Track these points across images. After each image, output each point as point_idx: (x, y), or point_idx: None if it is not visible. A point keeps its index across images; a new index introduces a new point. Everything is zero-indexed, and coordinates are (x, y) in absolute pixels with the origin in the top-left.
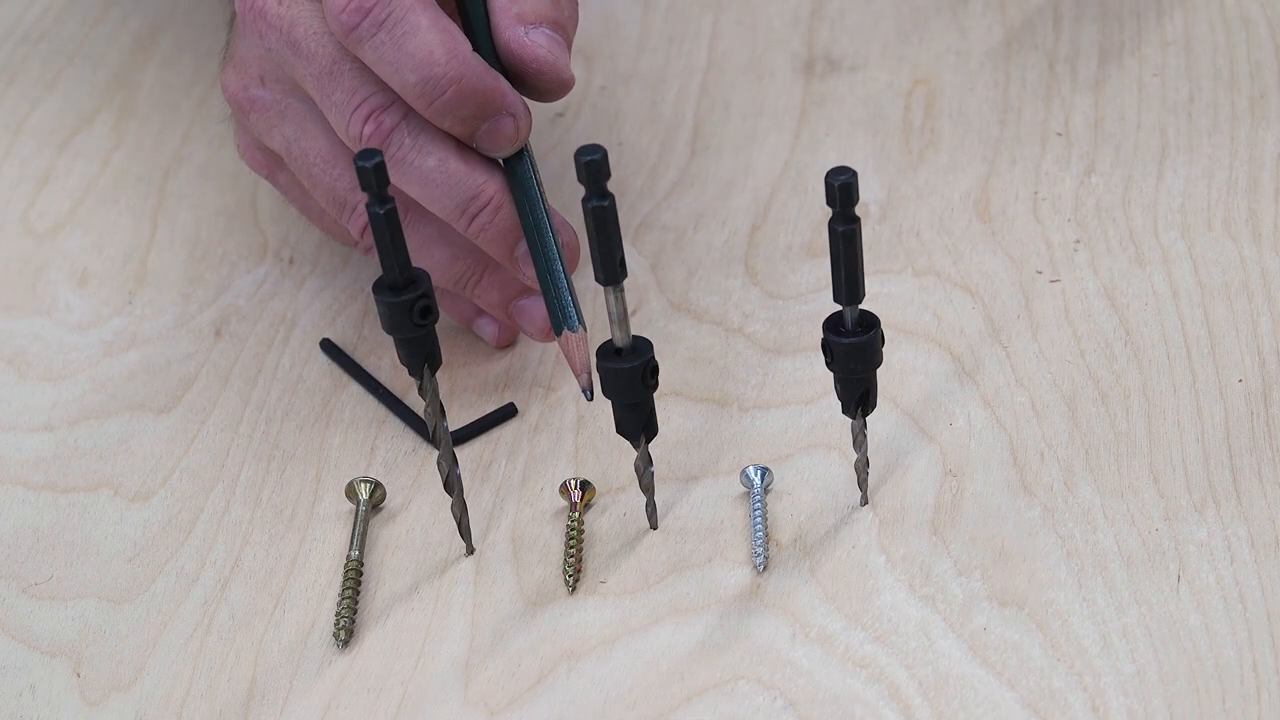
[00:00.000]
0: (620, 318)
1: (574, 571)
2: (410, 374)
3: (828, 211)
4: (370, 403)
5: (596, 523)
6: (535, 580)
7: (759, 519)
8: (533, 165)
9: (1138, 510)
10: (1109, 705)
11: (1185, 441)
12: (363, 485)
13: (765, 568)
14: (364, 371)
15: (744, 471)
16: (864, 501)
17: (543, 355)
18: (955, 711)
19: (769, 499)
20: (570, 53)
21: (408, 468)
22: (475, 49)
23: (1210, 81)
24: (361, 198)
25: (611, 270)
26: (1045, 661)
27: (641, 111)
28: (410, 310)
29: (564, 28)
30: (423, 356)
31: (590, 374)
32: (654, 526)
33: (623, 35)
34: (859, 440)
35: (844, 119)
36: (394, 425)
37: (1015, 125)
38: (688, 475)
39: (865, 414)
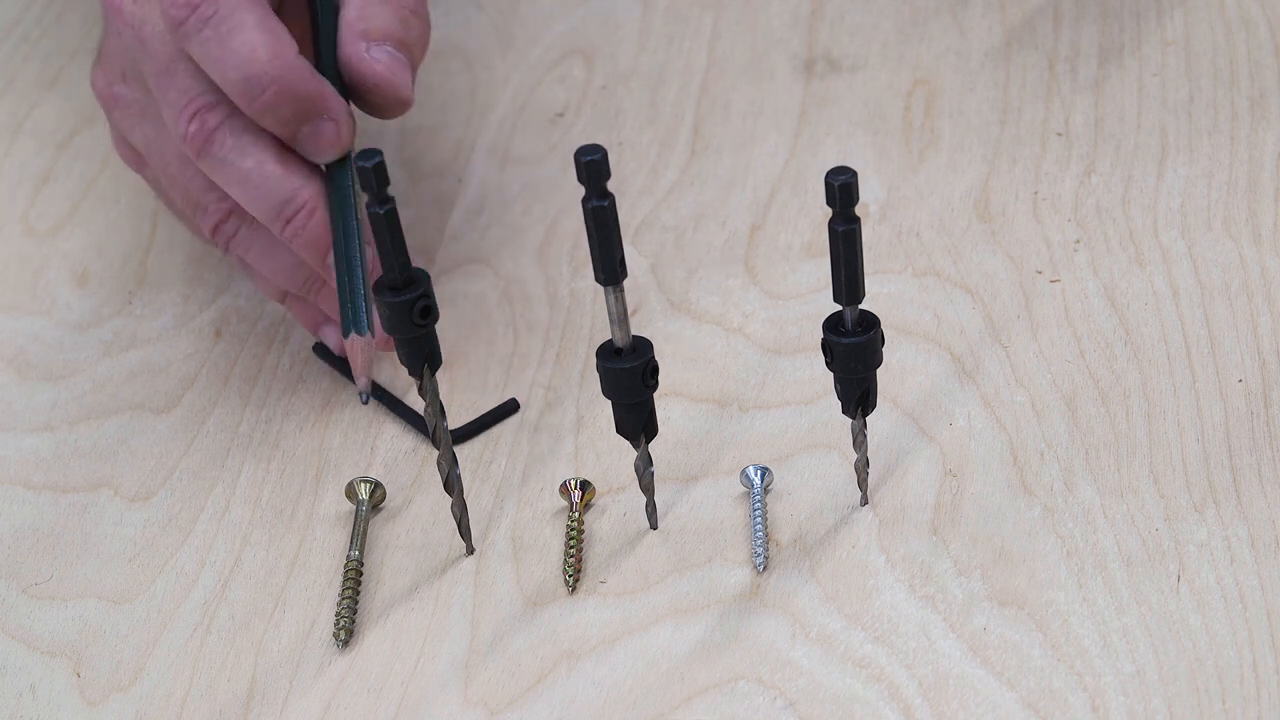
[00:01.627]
0: (620, 318)
1: (574, 571)
2: (410, 374)
3: (828, 211)
4: (371, 402)
5: (596, 523)
6: (535, 580)
7: (759, 519)
8: (353, 173)
9: (1138, 510)
10: (1109, 705)
11: (1185, 441)
12: (363, 485)
13: (765, 568)
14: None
15: (744, 471)
16: (864, 501)
17: (543, 355)
18: (955, 711)
19: (769, 499)
20: (415, 73)
21: (408, 468)
22: (321, 61)
23: (1210, 81)
24: (212, 198)
25: (611, 270)
26: (1045, 661)
27: (641, 111)
28: (410, 310)
29: (409, 48)
30: (423, 356)
31: (369, 379)
32: (654, 526)
33: (623, 35)
34: (859, 440)
35: (844, 119)
36: (394, 425)
37: (1015, 125)
38: (688, 475)
39: (865, 414)
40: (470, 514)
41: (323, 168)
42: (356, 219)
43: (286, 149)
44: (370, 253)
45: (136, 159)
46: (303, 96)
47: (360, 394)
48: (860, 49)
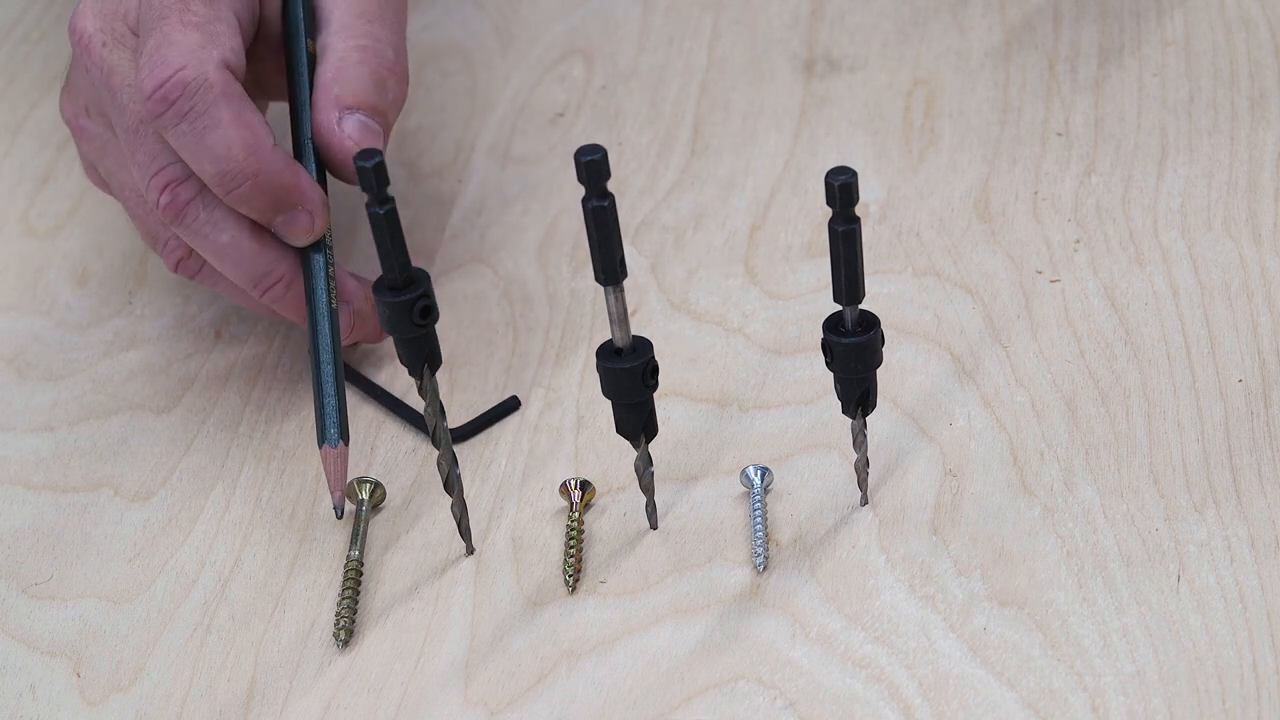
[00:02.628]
0: (620, 318)
1: (574, 571)
2: (410, 374)
3: (828, 211)
4: (370, 402)
5: (596, 523)
6: (535, 580)
7: (759, 519)
8: (328, 255)
9: (1138, 510)
10: (1109, 705)
11: (1185, 441)
12: (363, 485)
13: (765, 568)
14: (356, 373)
15: (744, 471)
16: (864, 501)
17: (543, 355)
18: (955, 711)
19: (769, 499)
20: (388, 137)
21: (408, 468)
22: (297, 126)
23: (1210, 81)
24: (172, 235)
25: (611, 270)
26: (1045, 661)
27: (641, 111)
28: (410, 310)
29: (383, 114)
30: (423, 356)
31: (343, 494)
32: (654, 526)
33: (623, 35)
34: (859, 440)
35: (844, 119)
36: (394, 425)
37: (1015, 125)
38: (688, 475)
39: (865, 414)
40: (470, 514)
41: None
42: (329, 307)
43: (259, 224)
44: (354, 307)
45: (104, 184)
46: (279, 189)
47: (335, 508)
48: (860, 49)
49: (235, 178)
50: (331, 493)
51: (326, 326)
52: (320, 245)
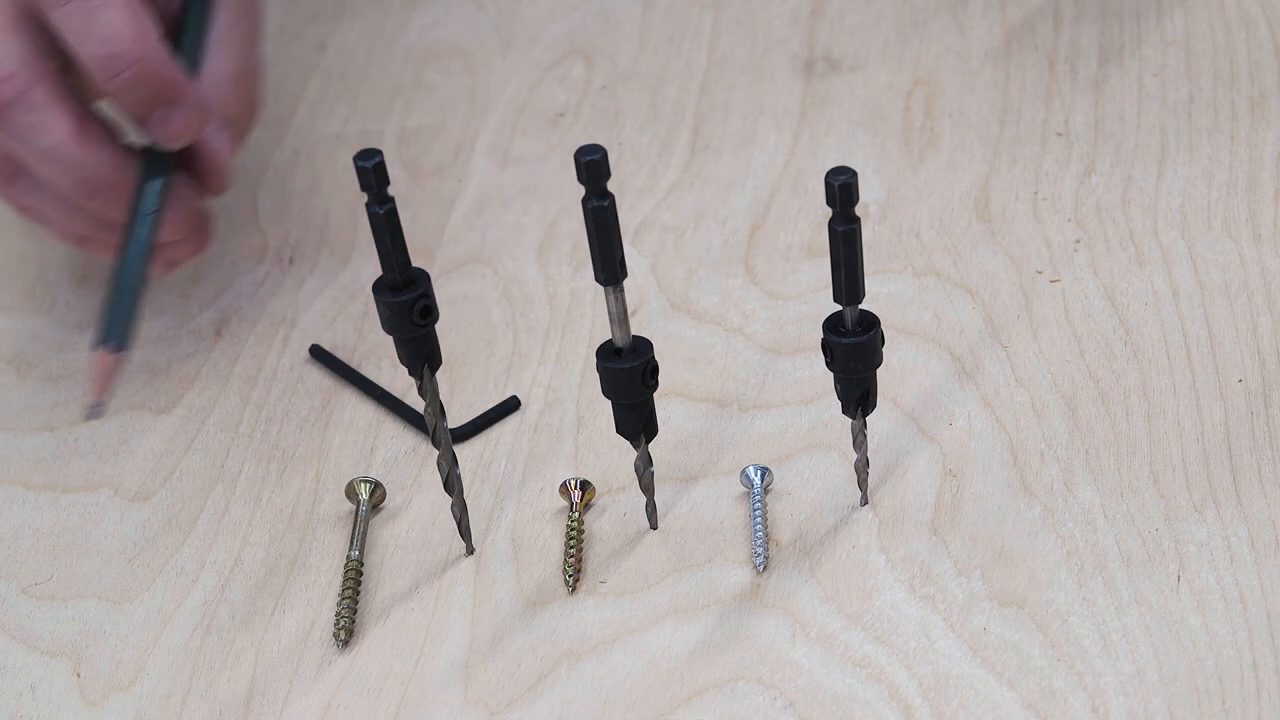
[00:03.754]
0: (620, 318)
1: (574, 571)
2: (410, 374)
3: (828, 211)
4: (370, 402)
5: (596, 523)
6: (535, 580)
7: (759, 519)
8: (168, 179)
9: (1138, 510)
10: (1109, 705)
11: (1185, 441)
12: (363, 485)
13: (765, 568)
14: (357, 373)
15: (744, 471)
16: (864, 501)
17: (543, 355)
18: (955, 711)
19: (769, 499)
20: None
21: (408, 468)
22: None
23: (1210, 81)
24: None
25: (611, 270)
26: (1045, 661)
27: (641, 111)
28: (410, 310)
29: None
30: (423, 356)
31: (105, 395)
32: (654, 526)
33: (623, 35)
34: (859, 440)
35: (844, 119)
36: (394, 425)
37: (1015, 125)
38: (688, 475)
39: (865, 414)
40: (470, 514)
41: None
42: (152, 221)
43: (86, 128)
44: (165, 237)
45: None
46: (161, 81)
47: (92, 407)
48: (860, 49)
49: (121, 60)
50: (94, 393)
51: (145, 234)
52: (165, 164)
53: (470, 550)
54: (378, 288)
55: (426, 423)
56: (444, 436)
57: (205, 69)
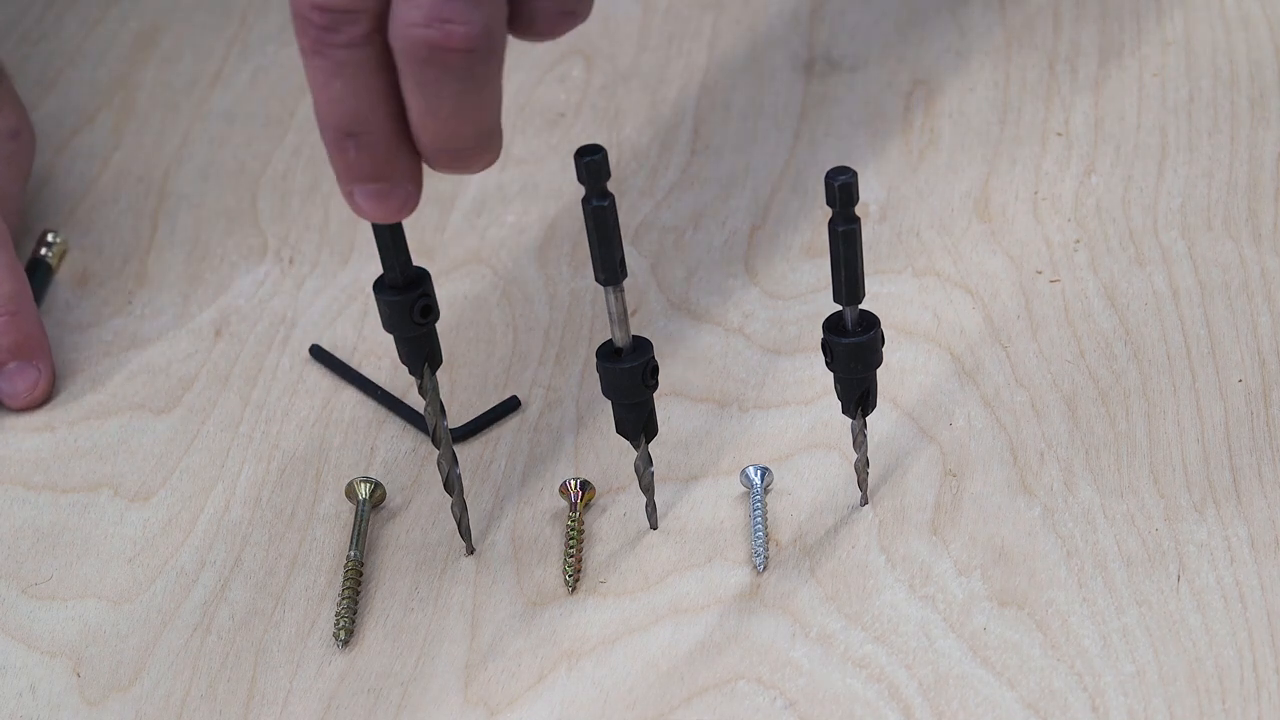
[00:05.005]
0: (620, 318)
1: (574, 571)
2: (410, 373)
3: (828, 211)
4: (370, 403)
5: (596, 523)
6: (535, 580)
7: (759, 519)
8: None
9: (1138, 510)
10: (1109, 705)
11: (1185, 441)
12: (363, 485)
13: (765, 568)
14: (356, 373)
15: (744, 471)
16: (864, 501)
17: (543, 355)
18: (955, 711)
19: (769, 499)
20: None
21: (408, 468)
22: None
23: (1210, 81)
24: None
25: (611, 270)
26: (1045, 661)
27: (641, 111)
28: (411, 309)
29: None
30: (423, 355)
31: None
32: (654, 526)
33: (623, 35)
34: (859, 440)
35: (844, 119)
36: (394, 425)
37: (1015, 125)
38: (688, 475)
39: (865, 414)
40: (470, 514)
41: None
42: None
43: None
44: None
45: None
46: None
47: None
48: (860, 49)
49: None
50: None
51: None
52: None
53: (470, 550)
54: (378, 286)
55: (426, 422)
56: (444, 436)
57: None
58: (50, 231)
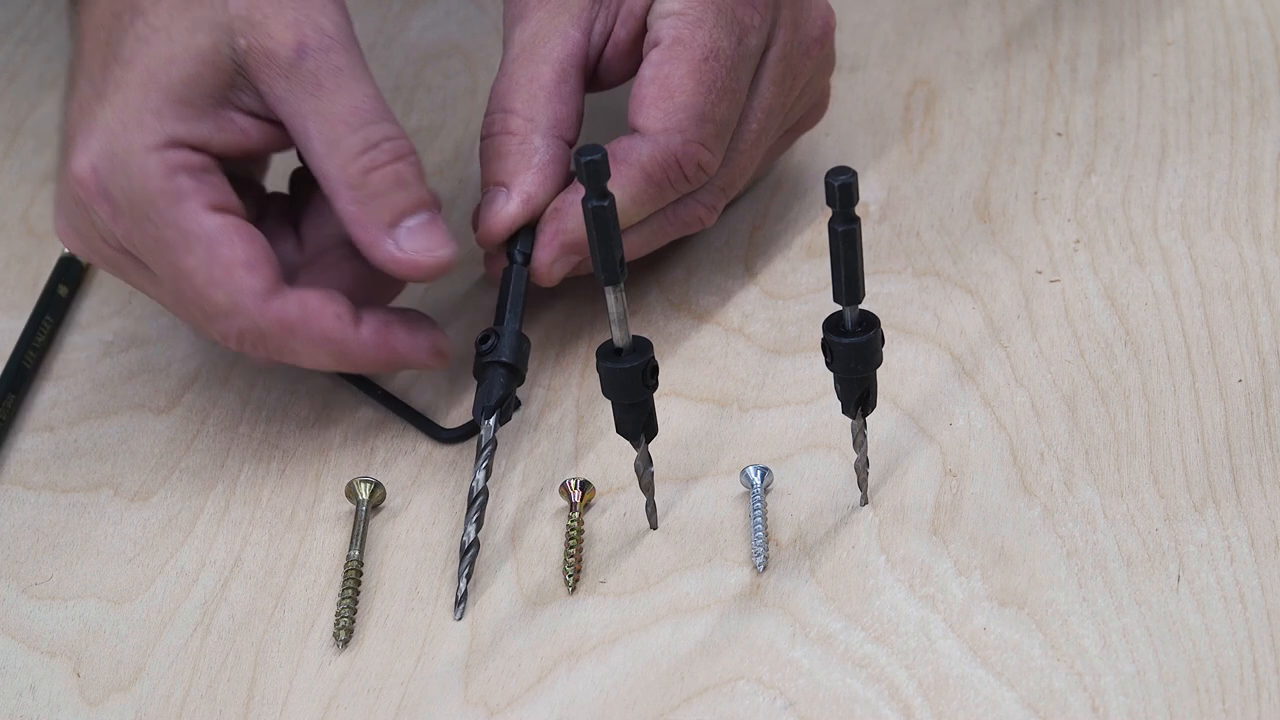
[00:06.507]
0: (620, 318)
1: (574, 571)
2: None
3: (828, 211)
4: (370, 402)
5: (596, 523)
6: (535, 580)
7: (759, 519)
8: None
9: (1138, 510)
10: (1109, 705)
11: (1185, 441)
12: (363, 485)
13: (765, 568)
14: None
15: (744, 471)
16: (864, 501)
17: (543, 355)
18: (955, 711)
19: (769, 499)
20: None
21: (408, 468)
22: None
23: (1210, 81)
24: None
25: (611, 270)
26: (1045, 661)
27: None
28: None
29: (431, 204)
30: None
31: None
32: (654, 526)
33: None
34: (859, 440)
35: (844, 119)
36: (394, 425)
37: (1015, 125)
38: (688, 475)
39: (865, 414)
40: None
41: None
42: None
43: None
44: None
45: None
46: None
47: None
48: (860, 49)
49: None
50: None
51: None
52: None
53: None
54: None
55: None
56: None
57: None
58: None
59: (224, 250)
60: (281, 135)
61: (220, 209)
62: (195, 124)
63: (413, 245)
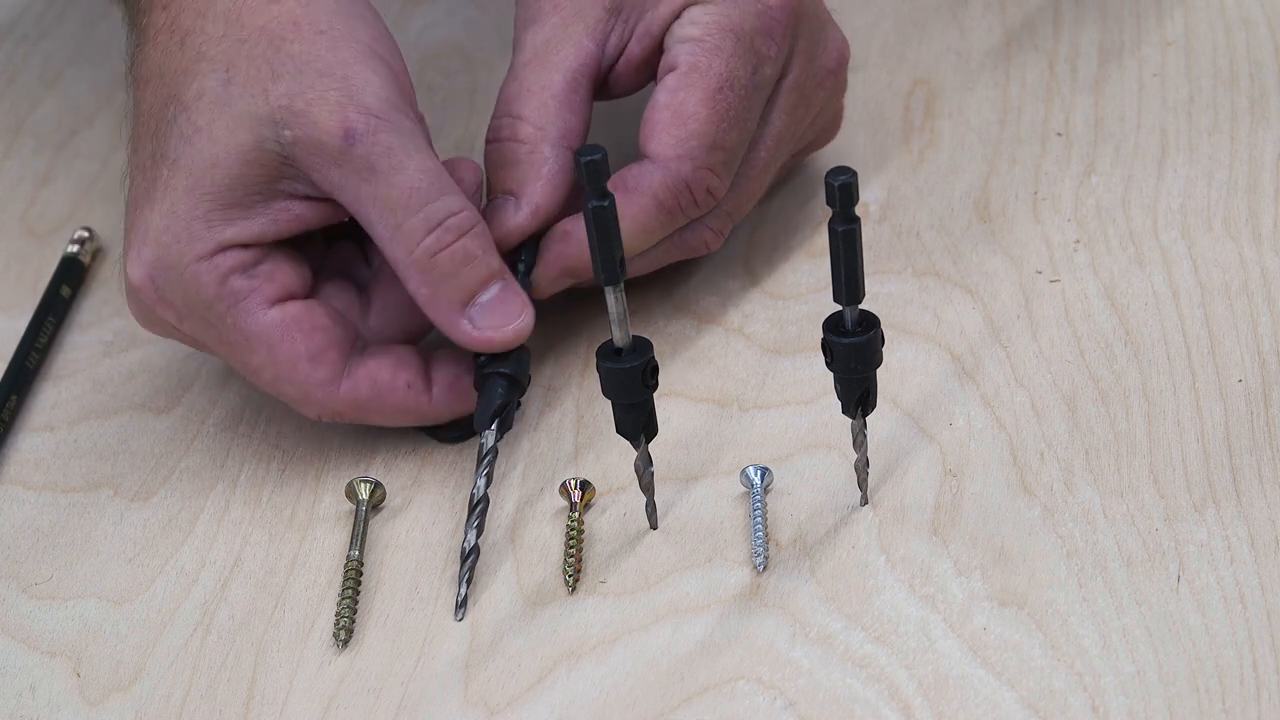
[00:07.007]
0: (620, 318)
1: (574, 571)
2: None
3: (828, 211)
4: None
5: (596, 523)
6: (535, 580)
7: (759, 519)
8: None
9: (1138, 510)
10: (1109, 705)
11: (1185, 441)
12: (363, 485)
13: (765, 568)
14: None
15: (744, 471)
16: (864, 501)
17: (543, 355)
18: (955, 711)
19: (769, 499)
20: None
21: (408, 468)
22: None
23: (1210, 81)
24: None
25: (611, 270)
26: (1045, 661)
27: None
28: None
29: (501, 273)
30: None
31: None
32: (654, 526)
33: None
34: (859, 440)
35: (844, 119)
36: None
37: (1015, 125)
38: (688, 475)
39: (865, 414)
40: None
41: None
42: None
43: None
44: None
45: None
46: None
47: None
48: (860, 49)
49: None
50: None
51: None
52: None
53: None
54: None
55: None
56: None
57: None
58: (83, 229)
59: (285, 348)
60: (338, 209)
61: (279, 300)
62: (245, 224)
63: (487, 322)
